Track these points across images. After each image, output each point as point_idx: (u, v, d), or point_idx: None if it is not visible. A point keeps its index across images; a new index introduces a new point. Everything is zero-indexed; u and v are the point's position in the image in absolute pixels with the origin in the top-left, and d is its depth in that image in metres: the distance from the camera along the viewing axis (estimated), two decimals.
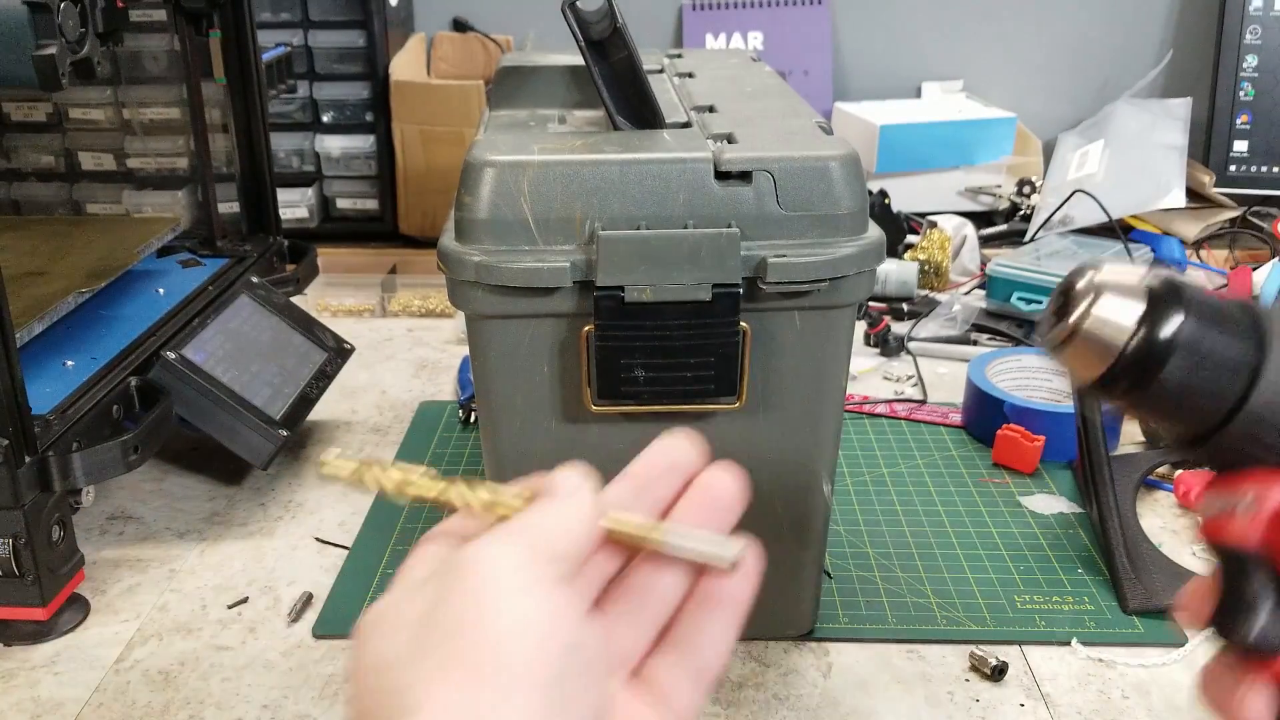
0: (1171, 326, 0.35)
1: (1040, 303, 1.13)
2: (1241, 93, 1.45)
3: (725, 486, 0.37)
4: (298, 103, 1.38)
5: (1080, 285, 0.37)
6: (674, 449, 0.38)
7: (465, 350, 1.13)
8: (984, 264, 1.28)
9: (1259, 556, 0.35)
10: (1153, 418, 0.37)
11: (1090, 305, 0.36)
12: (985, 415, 0.93)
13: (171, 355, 0.80)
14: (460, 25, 1.55)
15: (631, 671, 0.35)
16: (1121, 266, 0.37)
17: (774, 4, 1.55)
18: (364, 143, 1.40)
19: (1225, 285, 1.21)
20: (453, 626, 0.30)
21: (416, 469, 0.37)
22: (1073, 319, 0.36)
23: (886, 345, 1.12)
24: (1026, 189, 1.45)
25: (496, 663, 0.29)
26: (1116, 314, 0.36)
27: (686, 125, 0.68)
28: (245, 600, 0.75)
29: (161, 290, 0.91)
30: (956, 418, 0.98)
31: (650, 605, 0.36)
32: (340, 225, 1.44)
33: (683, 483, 0.37)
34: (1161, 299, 0.36)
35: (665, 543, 0.35)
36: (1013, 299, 1.15)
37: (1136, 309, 0.36)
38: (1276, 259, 1.23)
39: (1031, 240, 1.32)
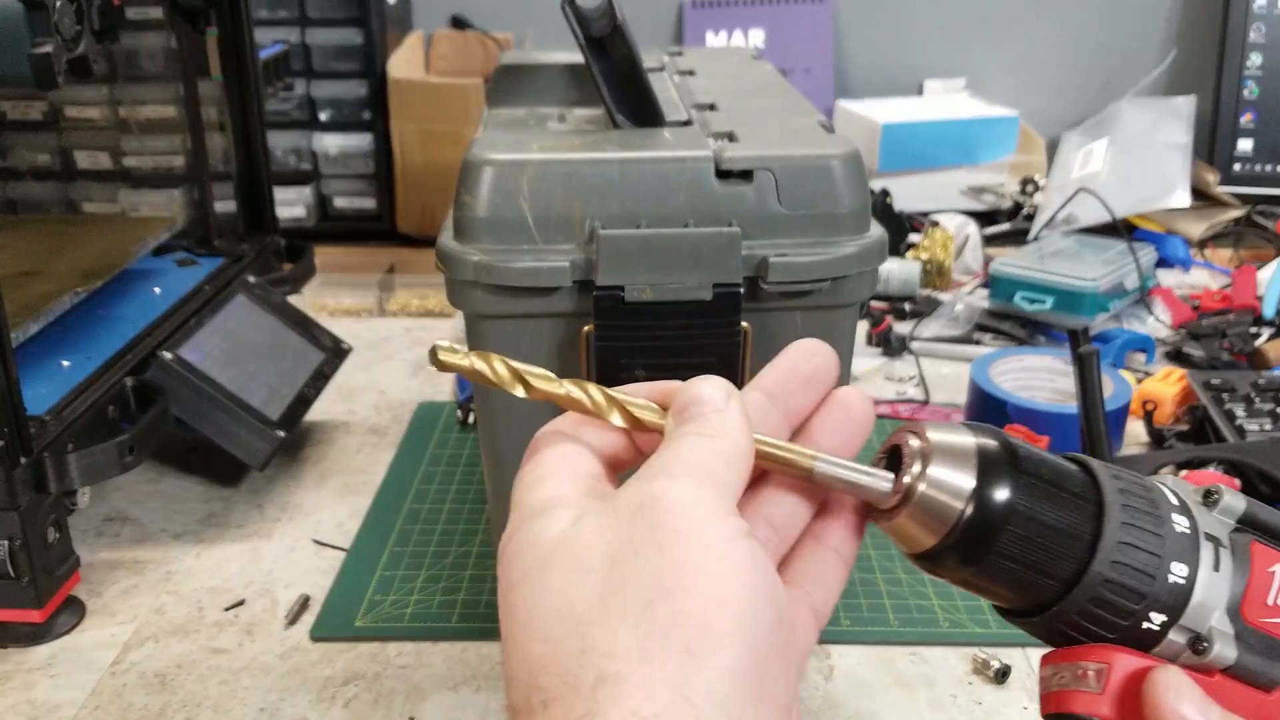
0: (1008, 493, 0.33)
1: (1045, 302, 1.13)
2: (1246, 91, 1.44)
3: (862, 407, 0.36)
4: (295, 101, 1.37)
5: (910, 447, 0.34)
6: (812, 357, 0.36)
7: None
8: (987, 263, 1.28)
9: None
10: (987, 589, 0.34)
11: (923, 469, 0.33)
12: (988, 416, 0.92)
13: (168, 355, 0.79)
14: (459, 23, 1.55)
15: None
16: (949, 430, 0.34)
17: (775, 1, 1.54)
18: (362, 141, 1.39)
19: (1230, 284, 1.20)
20: (654, 585, 0.28)
21: (535, 369, 0.35)
22: (905, 483, 0.34)
23: (889, 345, 1.11)
24: (1030, 188, 1.44)
25: (707, 639, 0.27)
26: (951, 479, 0.33)
27: (687, 124, 0.68)
28: (242, 603, 0.75)
29: (158, 290, 0.90)
30: (959, 418, 0.98)
31: (779, 535, 0.35)
32: (338, 224, 1.43)
33: (819, 397, 0.36)
34: (995, 463, 0.33)
35: (815, 470, 0.34)
36: (1016, 298, 1.14)
37: (970, 474, 0.33)
38: None
39: (1035, 239, 1.32)
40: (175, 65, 0.99)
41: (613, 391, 0.35)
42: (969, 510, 0.33)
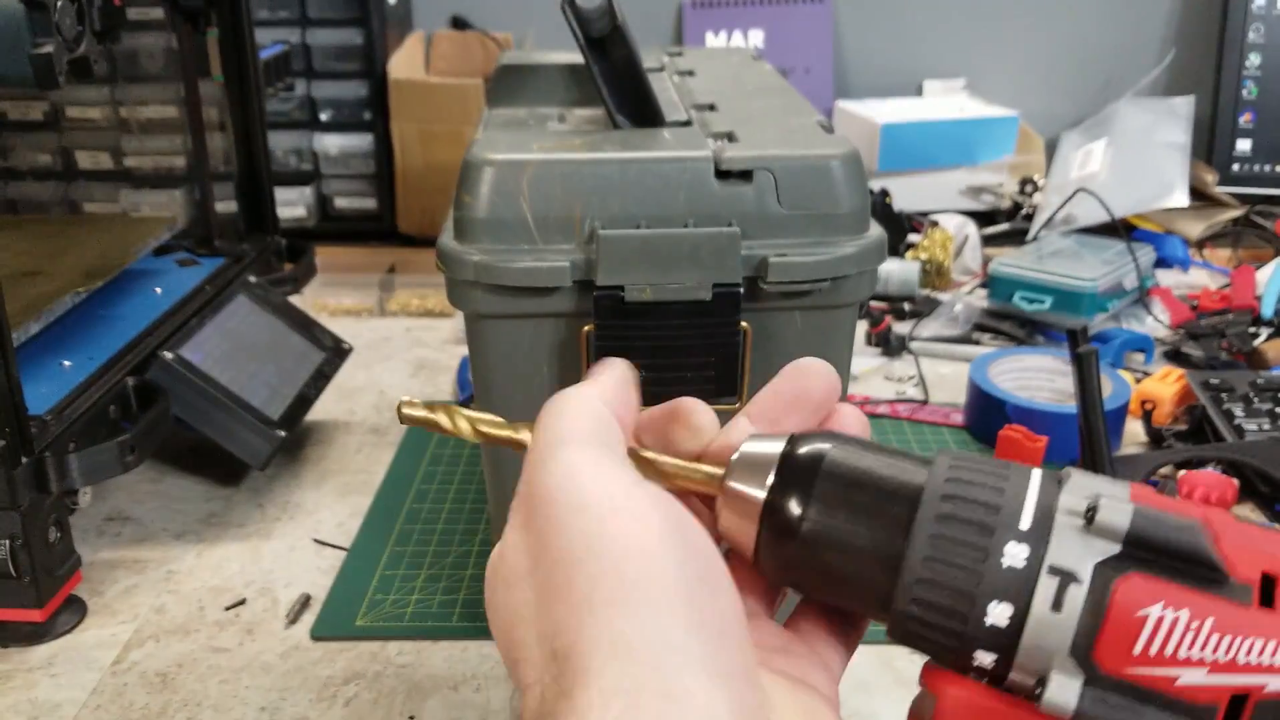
0: (796, 509, 0.32)
1: (1043, 302, 1.13)
2: (1245, 91, 1.44)
3: (859, 426, 0.36)
4: (295, 101, 1.37)
5: (730, 461, 0.34)
6: (802, 377, 0.36)
7: (464, 350, 1.13)
8: (986, 263, 1.28)
9: None
10: (824, 603, 0.34)
11: (727, 477, 0.34)
12: (987, 416, 0.93)
13: (169, 355, 0.80)
14: (459, 23, 1.55)
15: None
16: (762, 440, 0.34)
17: (775, 1, 1.55)
18: (362, 141, 1.39)
19: (1229, 284, 1.21)
20: (569, 563, 0.30)
21: (486, 416, 0.38)
22: (721, 488, 0.34)
23: (888, 345, 1.12)
24: (1029, 188, 1.44)
25: (623, 587, 0.29)
26: (745, 493, 0.33)
27: (687, 124, 0.68)
28: (243, 602, 0.75)
29: (159, 290, 0.90)
30: (958, 418, 0.98)
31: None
32: (338, 224, 1.43)
33: (813, 416, 0.36)
34: (790, 476, 0.32)
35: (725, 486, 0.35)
36: (1015, 299, 1.14)
37: (761, 489, 0.33)
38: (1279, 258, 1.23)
39: (1034, 239, 1.32)
40: (176, 65, 0.99)
41: None
42: (759, 527, 0.33)
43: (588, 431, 0.33)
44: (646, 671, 0.27)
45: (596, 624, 0.28)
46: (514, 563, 0.32)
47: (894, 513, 0.31)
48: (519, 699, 0.31)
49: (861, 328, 1.13)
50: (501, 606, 0.32)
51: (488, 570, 0.34)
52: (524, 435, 0.36)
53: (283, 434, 0.82)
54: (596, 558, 0.29)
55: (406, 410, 0.38)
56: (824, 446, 0.33)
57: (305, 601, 0.74)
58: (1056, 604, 0.29)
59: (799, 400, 0.36)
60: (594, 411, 0.34)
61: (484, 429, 0.37)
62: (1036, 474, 0.31)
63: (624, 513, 0.30)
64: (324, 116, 1.39)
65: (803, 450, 0.33)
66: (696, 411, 0.36)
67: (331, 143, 1.39)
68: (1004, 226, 1.42)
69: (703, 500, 0.36)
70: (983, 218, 1.42)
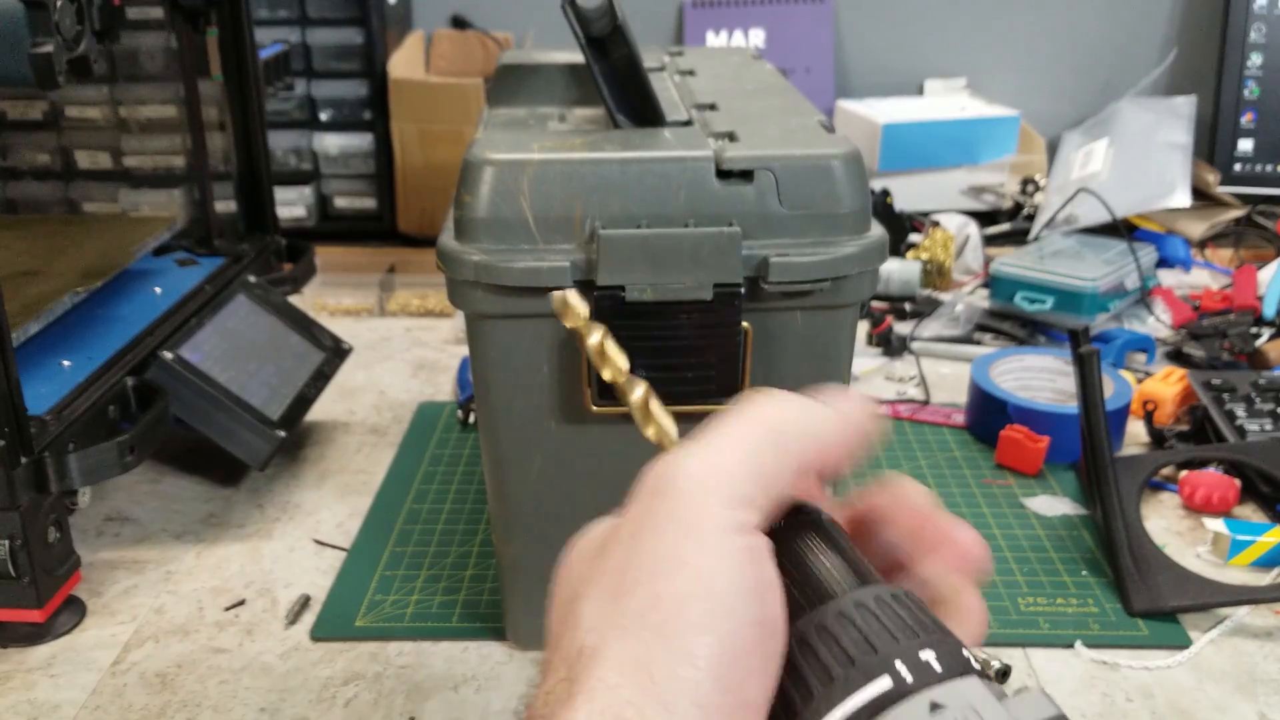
0: None
1: (1045, 303, 1.13)
2: (1246, 91, 1.44)
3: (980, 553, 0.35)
4: (295, 101, 1.37)
5: None
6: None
7: (464, 350, 1.13)
8: (987, 263, 1.28)
9: None
10: None
11: None
12: (988, 416, 0.92)
13: (168, 355, 0.79)
14: (459, 23, 1.55)
15: None
16: None
17: (775, 1, 1.54)
18: (362, 141, 1.39)
19: (1231, 284, 1.20)
20: (641, 568, 0.29)
21: (623, 364, 0.35)
22: None
23: (889, 345, 1.11)
24: (1030, 188, 1.44)
25: (679, 624, 0.28)
26: None
27: (687, 123, 0.67)
28: (242, 602, 0.75)
29: (158, 290, 0.90)
30: (959, 418, 0.98)
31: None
32: (338, 224, 1.43)
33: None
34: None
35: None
36: (1016, 299, 1.14)
37: None
38: None
39: (1035, 239, 1.32)
40: (175, 65, 0.99)
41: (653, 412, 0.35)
42: None
43: (740, 462, 0.30)
44: (653, 710, 0.27)
45: (635, 643, 0.28)
46: (597, 533, 0.32)
47: (835, 577, 0.31)
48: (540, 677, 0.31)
49: (862, 328, 1.13)
50: (566, 573, 0.32)
51: (577, 538, 0.33)
52: (653, 431, 0.34)
53: (282, 434, 0.82)
54: (666, 580, 0.28)
55: (556, 304, 0.35)
56: (796, 529, 0.32)
57: (305, 602, 0.74)
58: None
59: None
60: (767, 443, 0.31)
61: (612, 371, 0.35)
62: (888, 675, 0.28)
63: (719, 552, 0.29)
64: (324, 116, 1.39)
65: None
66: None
67: (331, 142, 1.39)
68: (1005, 226, 1.42)
69: None
70: (984, 217, 1.41)
